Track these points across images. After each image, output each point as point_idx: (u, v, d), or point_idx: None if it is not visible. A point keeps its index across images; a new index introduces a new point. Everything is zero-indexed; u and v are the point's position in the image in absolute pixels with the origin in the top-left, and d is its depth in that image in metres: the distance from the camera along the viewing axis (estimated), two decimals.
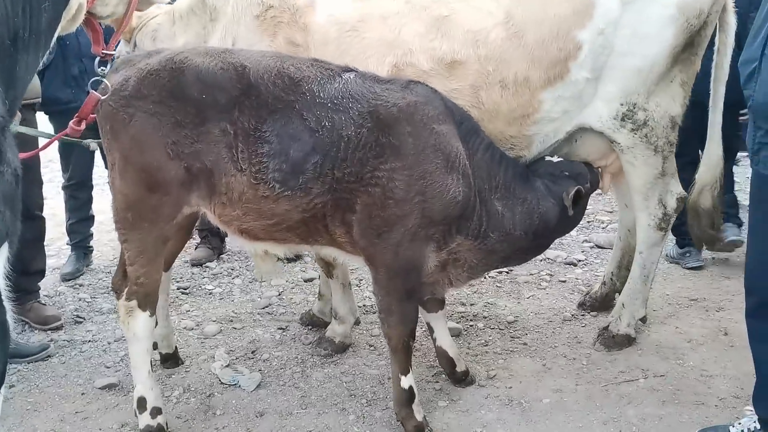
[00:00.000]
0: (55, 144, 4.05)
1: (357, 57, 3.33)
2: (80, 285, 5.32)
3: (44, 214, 4.71)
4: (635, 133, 3.54)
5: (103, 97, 2.95)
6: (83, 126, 2.88)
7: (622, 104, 3.49)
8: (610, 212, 6.49)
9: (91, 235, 5.80)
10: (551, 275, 5.10)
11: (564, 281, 5.00)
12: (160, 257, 3.29)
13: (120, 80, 3.05)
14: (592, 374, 3.74)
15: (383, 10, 3.39)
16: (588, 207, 4.71)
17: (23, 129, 3.11)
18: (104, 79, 2.95)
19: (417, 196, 2.97)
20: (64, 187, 5.69)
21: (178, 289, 5.13)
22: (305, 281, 5.16)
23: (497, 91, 3.34)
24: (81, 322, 4.69)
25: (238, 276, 5.39)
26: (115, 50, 3.14)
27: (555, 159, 3.37)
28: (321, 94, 2.98)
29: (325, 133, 2.95)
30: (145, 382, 3.34)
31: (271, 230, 3.13)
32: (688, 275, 4.95)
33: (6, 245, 1.83)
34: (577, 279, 5.03)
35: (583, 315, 4.44)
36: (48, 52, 2.23)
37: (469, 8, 3.32)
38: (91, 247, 5.81)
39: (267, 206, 3.02)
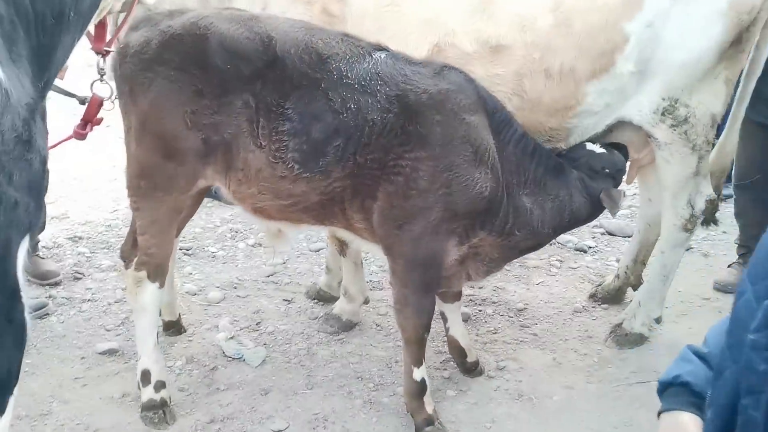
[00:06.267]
0: None
1: (396, 34, 3.16)
2: (79, 238, 5.19)
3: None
4: (675, 129, 3.41)
5: (106, 98, 2.88)
6: (89, 129, 2.80)
7: (663, 99, 3.35)
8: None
9: None
10: (561, 261, 4.99)
11: (574, 268, 4.91)
12: (172, 228, 3.18)
13: (141, 41, 2.89)
14: (603, 372, 3.68)
15: None
16: None
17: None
18: (105, 80, 2.90)
19: (441, 189, 2.85)
20: None
21: (180, 249, 4.99)
22: (312, 251, 5.05)
23: (541, 80, 3.20)
24: (80, 279, 4.58)
25: (242, 239, 5.27)
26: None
27: (597, 149, 3.22)
28: (348, 74, 2.83)
29: (349, 116, 2.81)
30: (150, 354, 3.26)
31: (286, 210, 3.01)
32: (700, 270, 4.86)
33: (27, 237, 1.71)
34: (587, 267, 4.93)
35: (593, 307, 4.36)
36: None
37: None
38: None
39: (284, 186, 2.90)
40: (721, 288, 4.56)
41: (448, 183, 2.83)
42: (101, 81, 3.04)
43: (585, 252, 5.15)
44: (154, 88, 2.89)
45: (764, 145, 4.07)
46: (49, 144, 2.48)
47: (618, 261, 4.91)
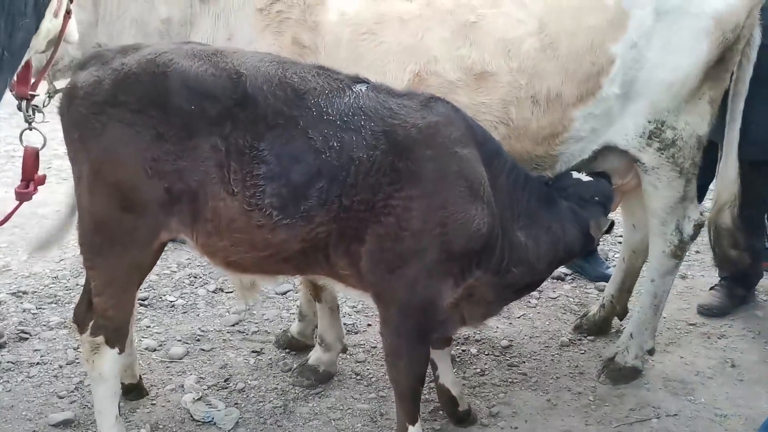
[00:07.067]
0: None
1: (373, 63, 2.98)
2: (23, 293, 4.77)
3: None
4: (662, 153, 3.30)
5: (41, 149, 2.65)
6: (33, 188, 2.56)
7: (650, 121, 3.24)
8: None
9: None
10: (540, 291, 4.78)
11: (554, 298, 4.73)
12: (132, 287, 2.87)
13: (91, 81, 2.60)
14: (601, 412, 3.48)
15: (402, 12, 3.02)
16: None
17: None
18: (35, 128, 2.66)
19: (436, 228, 2.63)
20: None
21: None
22: (278, 294, 4.75)
23: (528, 107, 3.05)
24: (27, 339, 4.16)
25: (202, 285, 4.93)
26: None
27: (584, 177, 3.07)
28: (329, 110, 2.61)
29: (332, 155, 2.58)
30: (111, 429, 2.93)
31: (263, 262, 2.75)
32: (682, 294, 4.75)
33: None
34: (567, 296, 4.76)
35: (580, 340, 4.18)
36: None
37: (498, 15, 3.01)
38: None
39: (261, 236, 2.63)
40: (705, 312, 4.44)
41: (444, 222, 2.62)
42: (30, 129, 2.78)
43: (563, 280, 4.98)
44: (107, 134, 2.60)
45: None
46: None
47: (598, 288, 4.80)
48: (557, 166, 3.27)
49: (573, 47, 3.03)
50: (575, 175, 3.09)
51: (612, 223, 2.93)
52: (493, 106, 3.03)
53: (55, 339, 4.16)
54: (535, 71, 3.02)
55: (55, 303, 4.62)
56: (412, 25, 3.00)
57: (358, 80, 2.72)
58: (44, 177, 2.77)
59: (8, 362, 3.89)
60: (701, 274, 5.05)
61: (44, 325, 4.33)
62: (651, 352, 3.79)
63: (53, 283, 4.91)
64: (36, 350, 4.03)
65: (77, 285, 4.76)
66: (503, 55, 2.99)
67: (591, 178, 3.08)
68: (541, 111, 3.07)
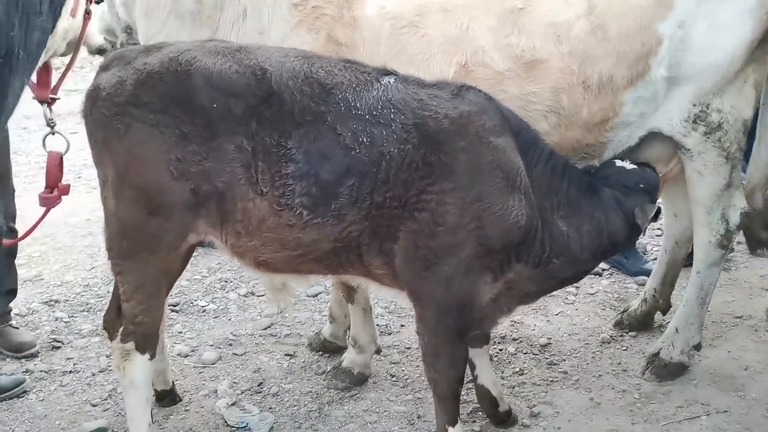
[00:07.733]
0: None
1: (416, 57, 2.91)
2: (55, 301, 4.76)
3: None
4: (708, 137, 3.18)
5: (65, 152, 2.62)
6: (56, 193, 2.54)
7: (694, 105, 3.13)
8: None
9: None
10: (577, 287, 4.64)
11: (592, 294, 4.59)
12: (161, 292, 2.82)
13: (114, 82, 2.56)
14: (647, 410, 3.35)
15: (444, 1, 2.94)
16: None
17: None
18: (58, 132, 2.64)
19: (473, 222, 2.54)
20: None
21: (167, 306, 4.61)
22: (310, 296, 4.68)
23: (579, 94, 2.95)
24: (59, 347, 4.15)
25: (233, 289, 4.88)
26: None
27: (627, 165, 2.95)
28: (357, 104, 2.54)
29: (362, 151, 2.51)
30: None
31: (294, 262, 2.68)
32: (725, 286, 4.58)
33: None
34: (605, 292, 4.62)
35: (621, 336, 4.04)
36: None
37: None
38: None
39: (292, 236, 2.57)
40: None
41: (480, 215, 2.53)
42: (53, 134, 2.75)
43: (600, 275, 4.83)
44: (131, 135, 2.56)
45: None
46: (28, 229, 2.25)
47: (637, 283, 4.65)
48: (605, 154, 3.17)
49: (623, 28, 2.94)
50: (618, 163, 2.97)
51: (659, 210, 2.81)
52: (543, 95, 2.94)
53: (87, 347, 4.14)
54: (587, 55, 2.92)
55: (87, 311, 4.60)
56: (456, 15, 2.92)
57: (386, 72, 2.64)
58: (68, 186, 2.75)
59: (41, 371, 3.87)
60: (745, 265, 4.88)
61: (76, 334, 4.31)
62: (698, 346, 3.64)
63: (85, 291, 4.90)
64: (68, 359, 4.01)
65: (109, 292, 4.71)
66: (553, 40, 2.90)
67: (635, 166, 2.96)
68: (593, 96, 2.97)
